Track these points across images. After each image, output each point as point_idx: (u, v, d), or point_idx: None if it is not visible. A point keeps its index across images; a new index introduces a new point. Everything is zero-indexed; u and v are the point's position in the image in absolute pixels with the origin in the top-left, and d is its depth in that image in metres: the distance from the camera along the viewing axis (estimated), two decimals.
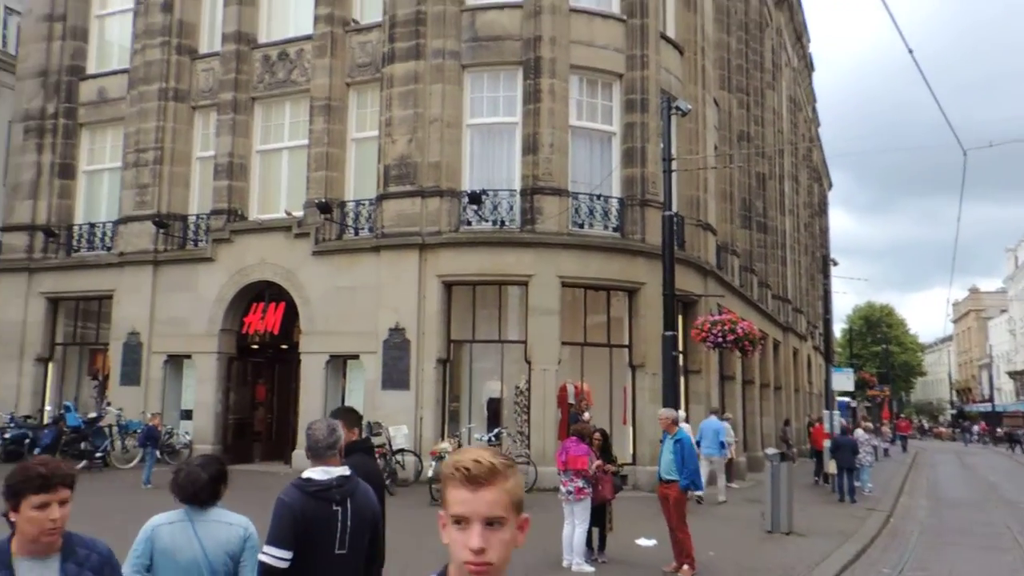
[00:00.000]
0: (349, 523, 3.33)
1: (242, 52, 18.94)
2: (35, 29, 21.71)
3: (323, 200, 17.07)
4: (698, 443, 15.90)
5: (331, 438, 3.43)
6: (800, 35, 35.25)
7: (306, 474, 3.39)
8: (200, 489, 3.25)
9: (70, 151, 21.32)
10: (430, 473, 14.05)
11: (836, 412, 18.90)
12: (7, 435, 18.57)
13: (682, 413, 15.91)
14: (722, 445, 15.61)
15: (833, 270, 32.79)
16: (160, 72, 19.69)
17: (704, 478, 15.62)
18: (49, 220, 20.95)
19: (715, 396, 19.01)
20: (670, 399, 13.57)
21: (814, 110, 44.45)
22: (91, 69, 21.67)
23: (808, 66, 39.45)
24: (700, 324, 14.81)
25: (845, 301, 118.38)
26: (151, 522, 3.26)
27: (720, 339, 14.28)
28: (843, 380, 20.96)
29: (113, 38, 21.87)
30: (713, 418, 16.10)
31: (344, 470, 3.42)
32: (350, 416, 4.39)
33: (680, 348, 15.44)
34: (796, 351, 32.03)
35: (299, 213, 17.77)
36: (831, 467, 17.13)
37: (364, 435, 4.39)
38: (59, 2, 21.51)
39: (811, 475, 20.24)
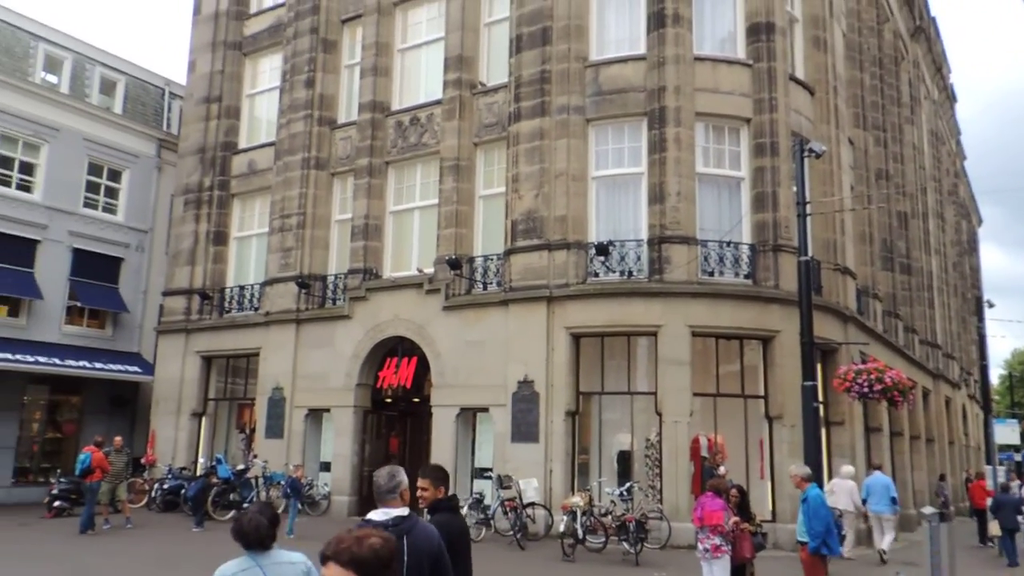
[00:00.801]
0: (406, 558, 3.54)
1: (376, 119, 19.99)
2: (195, 111, 23.79)
3: (453, 256, 17.56)
4: (865, 500, 15.06)
5: (391, 483, 3.78)
6: (940, 66, 33.58)
7: (368, 516, 3.70)
8: (264, 535, 3.52)
9: (223, 220, 23.01)
10: (561, 527, 13.92)
11: (999, 467, 17.42)
12: (165, 486, 19.94)
13: (850, 468, 15.11)
14: (893, 500, 14.73)
15: (988, 312, 30.47)
16: (303, 143, 21.05)
17: (881, 537, 14.74)
18: (204, 284, 22.58)
19: (860, 449, 17.93)
20: (811, 452, 12.94)
21: (958, 143, 41.96)
22: (242, 144, 23.45)
23: (950, 98, 37.41)
24: (843, 373, 14.06)
25: (1003, 345, 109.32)
26: (221, 572, 3.45)
27: (866, 389, 13.48)
28: (1006, 432, 19.34)
29: (261, 114, 23.63)
30: (879, 473, 15.22)
31: (402, 511, 3.71)
32: (436, 473, 4.59)
33: (821, 398, 14.70)
34: (949, 400, 29.79)
35: (430, 270, 18.35)
36: (994, 528, 15.73)
37: (450, 493, 4.60)
38: (215, 85, 23.51)
39: (973, 536, 18.62)
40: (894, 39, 25.29)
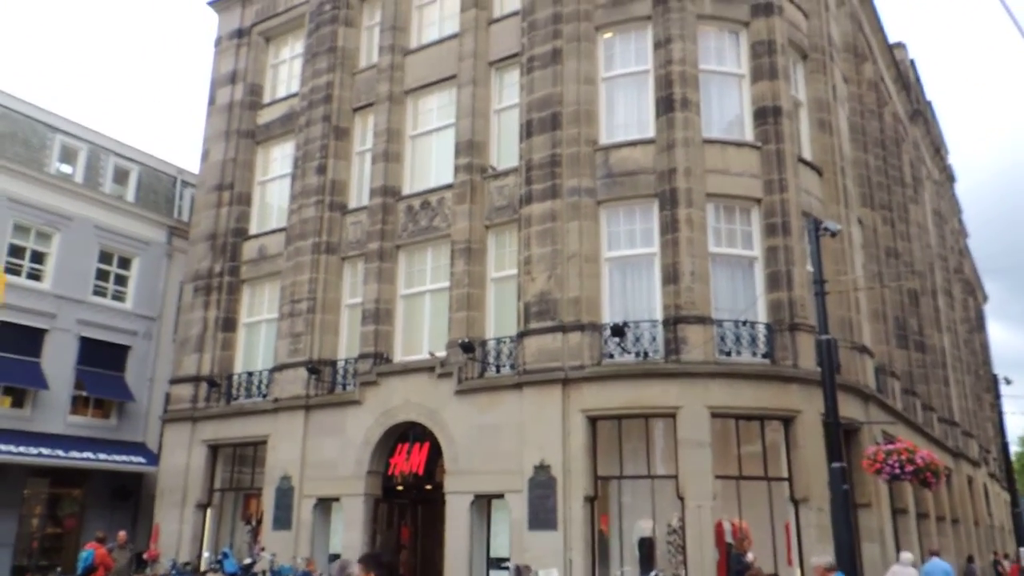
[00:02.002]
0: None
1: (387, 204, 20.18)
2: (207, 198, 24.06)
3: (466, 340, 17.42)
4: None
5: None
6: (938, 147, 34.22)
7: None
8: None
9: (232, 306, 22.96)
10: None
11: None
12: None
13: (909, 555, 14.58)
14: None
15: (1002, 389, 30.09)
16: (314, 228, 21.19)
17: None
18: (212, 371, 22.35)
19: (888, 532, 17.38)
20: (842, 537, 12.52)
21: (960, 221, 42.42)
22: (253, 230, 23.61)
23: (949, 178, 38.01)
24: (872, 454, 13.71)
25: (1017, 423, 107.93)
26: None
27: (897, 470, 13.10)
28: None
29: (272, 200, 23.89)
30: (937, 559, 14.70)
31: None
32: (368, 560, 5.14)
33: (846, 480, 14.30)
34: (971, 479, 29.15)
35: (442, 353, 18.17)
36: None
37: None
38: (228, 172, 23.86)
39: None
40: (894, 122, 25.82)
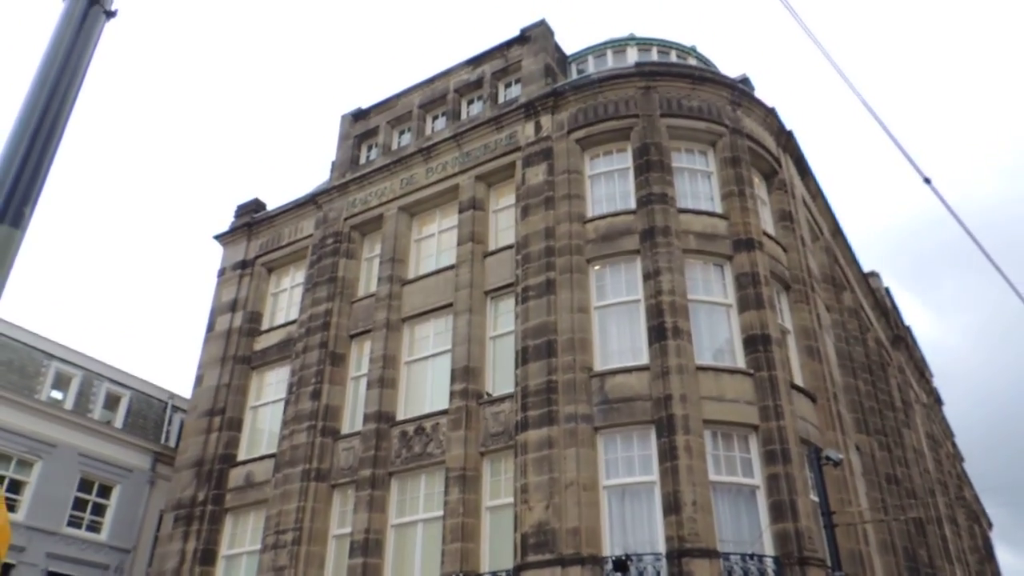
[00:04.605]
0: None
1: (381, 430, 20.00)
2: (197, 424, 23.80)
3: (460, 574, 16.54)
4: None
5: None
6: (922, 371, 34.89)
7: None
8: None
9: (213, 536, 21.92)
10: None
11: None
12: None
13: None
14: None
15: None
16: (305, 454, 20.81)
17: None
18: None
19: None
20: None
21: (954, 444, 42.23)
22: (241, 456, 23.13)
23: (937, 400, 38.38)
24: None
25: None
26: None
27: None
28: None
29: (264, 425, 23.64)
30: None
31: None
32: None
33: None
34: None
35: None
36: None
37: None
38: (220, 397, 23.79)
39: None
40: (878, 347, 26.54)
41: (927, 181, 6.85)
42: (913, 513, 21.06)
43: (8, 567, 22.28)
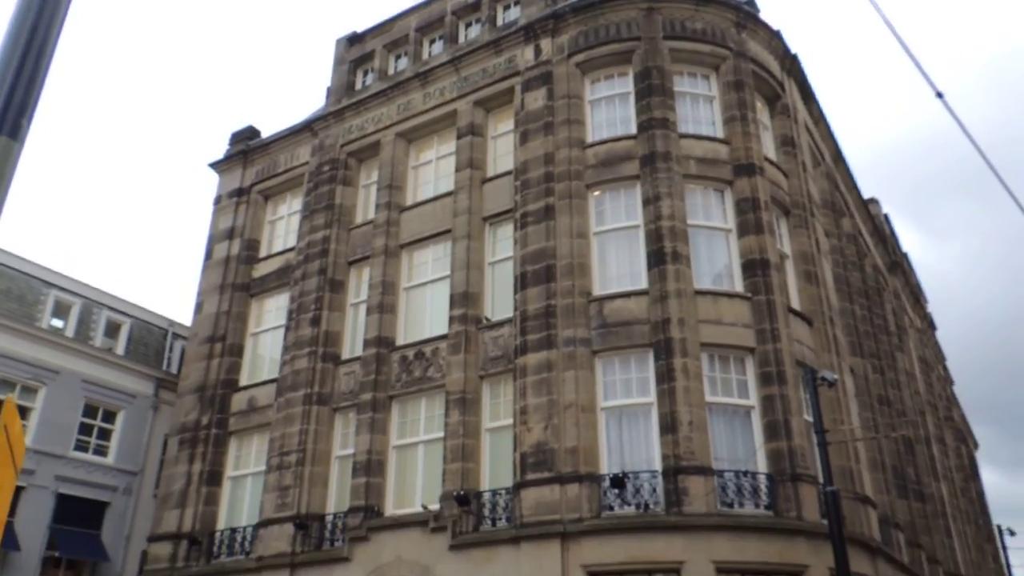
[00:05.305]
0: None
1: (381, 355, 20.23)
2: (198, 350, 24.03)
3: (461, 492, 17.00)
4: None
5: None
6: (917, 297, 35.19)
7: None
8: None
9: (218, 458, 22.40)
10: None
11: None
12: None
13: None
14: None
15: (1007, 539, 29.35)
16: (306, 379, 21.09)
17: None
18: (194, 528, 21.47)
19: None
20: None
21: (945, 368, 42.92)
22: (243, 381, 23.44)
23: (930, 326, 38.84)
24: None
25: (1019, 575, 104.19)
26: None
27: None
28: None
29: (264, 352, 23.88)
30: None
31: None
32: None
33: None
34: None
35: (435, 506, 17.67)
36: None
37: None
38: (220, 325, 23.96)
39: None
40: (875, 273, 26.69)
41: (939, 95, 6.76)
42: (902, 432, 21.54)
43: (19, 490, 22.82)
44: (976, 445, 52.55)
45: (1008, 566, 21.73)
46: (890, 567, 17.58)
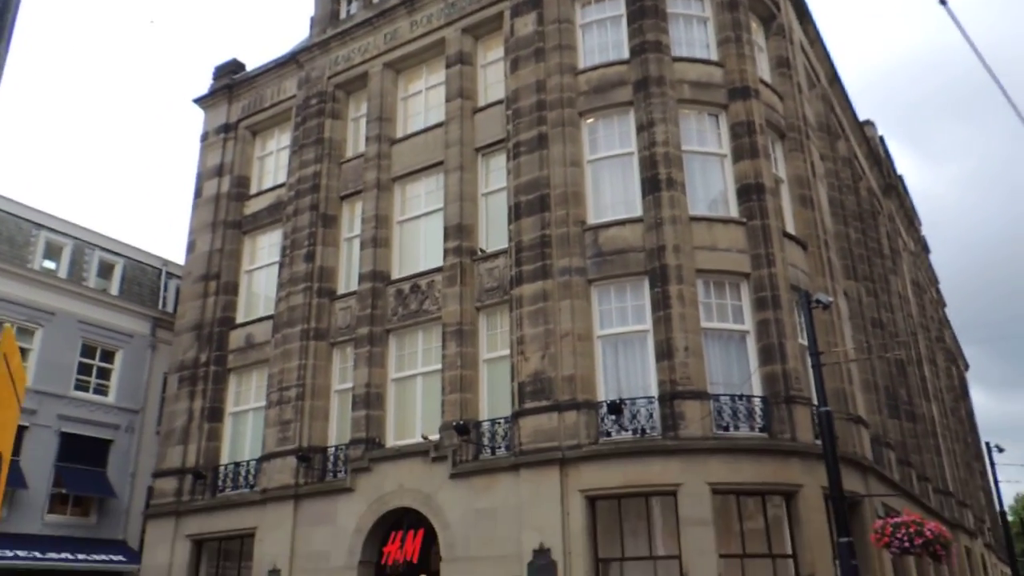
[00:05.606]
0: None
1: (377, 289, 20.22)
2: (192, 289, 23.99)
3: (460, 422, 17.23)
4: None
5: None
6: (911, 219, 35.17)
7: None
8: None
9: (218, 395, 22.60)
10: None
11: None
12: None
13: None
14: None
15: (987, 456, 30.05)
16: (302, 315, 21.13)
17: None
18: (197, 463, 21.81)
19: None
20: None
21: (938, 291, 43.23)
22: (239, 319, 23.47)
23: (924, 248, 38.94)
24: (881, 528, 13.52)
25: (1007, 491, 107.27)
26: None
27: (907, 543, 12.88)
28: None
29: (259, 289, 23.85)
30: None
31: None
32: None
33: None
34: (968, 550, 28.78)
35: (435, 437, 17.93)
36: None
37: None
38: (214, 263, 23.86)
39: None
40: (869, 196, 26.59)
41: (942, 2, 6.57)
42: (895, 353, 21.79)
43: (22, 429, 23.05)
44: (967, 366, 53.32)
45: (996, 481, 22.34)
46: (881, 484, 17.99)
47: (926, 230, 40.31)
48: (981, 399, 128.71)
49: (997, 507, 26.87)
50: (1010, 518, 64.80)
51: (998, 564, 38.12)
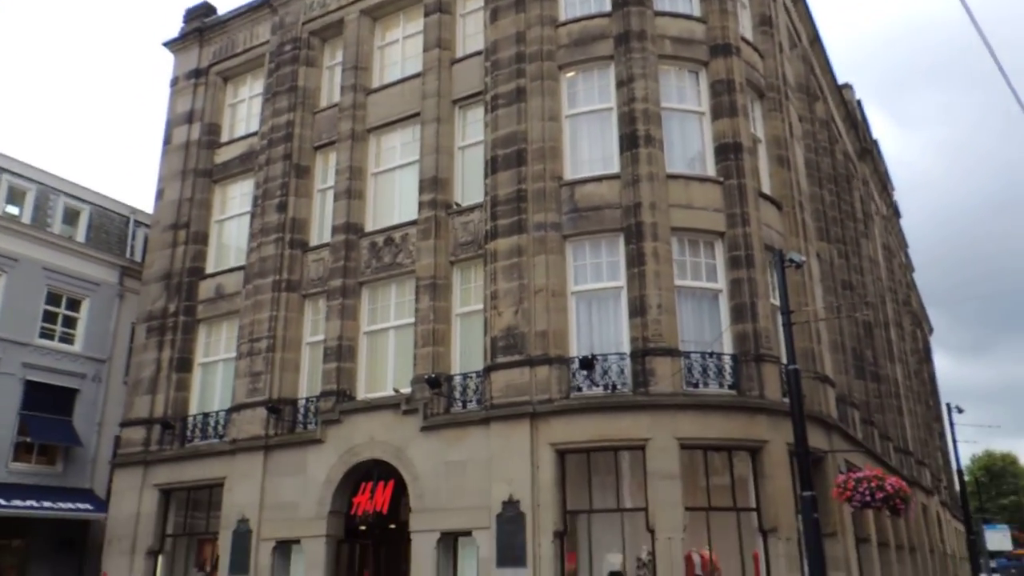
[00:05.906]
0: None
1: (350, 241, 20.01)
2: (161, 237, 23.57)
3: (432, 375, 17.23)
4: None
5: None
6: (885, 184, 35.47)
7: None
8: None
9: (188, 346, 22.36)
10: None
11: None
12: None
13: None
14: None
15: (945, 417, 30.86)
16: (274, 266, 20.87)
17: None
18: (166, 413, 21.65)
19: (854, 561, 17.52)
20: (815, 567, 12.58)
21: (907, 255, 43.86)
22: (209, 269, 23.13)
23: (896, 213, 39.37)
24: (843, 483, 13.85)
25: (964, 451, 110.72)
26: None
27: (868, 498, 13.23)
28: (998, 539, 19.06)
29: (230, 240, 23.48)
30: None
31: None
32: None
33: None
34: (925, 507, 29.65)
35: (406, 390, 17.93)
36: None
37: None
38: (183, 212, 23.43)
39: None
40: (845, 159, 26.71)
41: None
42: (863, 314, 22.12)
43: None
44: (931, 330, 54.41)
45: (955, 441, 23.01)
46: (845, 442, 18.36)
47: (898, 195, 40.74)
48: (945, 363, 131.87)
49: (954, 466, 27.65)
50: (966, 477, 67.16)
51: (952, 521, 39.39)
